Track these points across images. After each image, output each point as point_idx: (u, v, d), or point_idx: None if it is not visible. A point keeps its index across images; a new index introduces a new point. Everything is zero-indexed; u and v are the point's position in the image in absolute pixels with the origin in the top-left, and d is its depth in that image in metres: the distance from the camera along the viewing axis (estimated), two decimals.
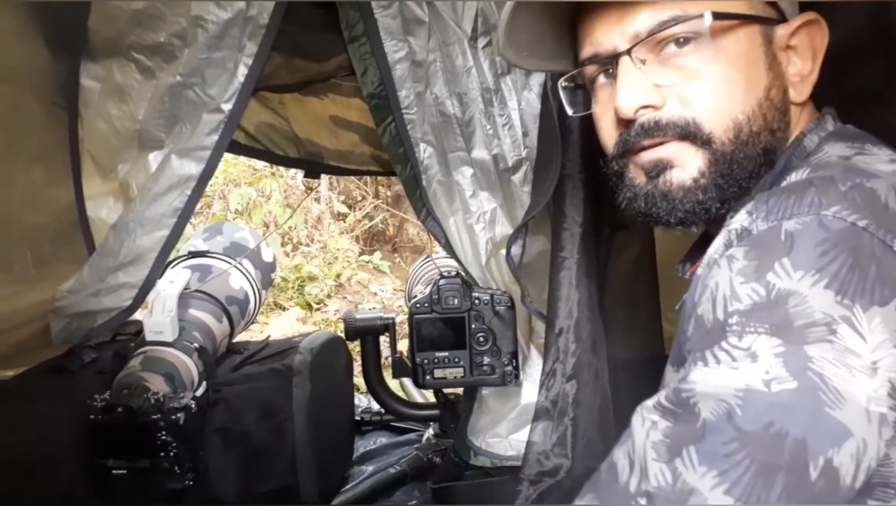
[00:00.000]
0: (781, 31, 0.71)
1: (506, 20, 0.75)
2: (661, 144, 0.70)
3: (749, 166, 0.70)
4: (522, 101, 1.24)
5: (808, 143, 0.71)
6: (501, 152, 1.27)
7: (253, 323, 1.73)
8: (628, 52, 0.70)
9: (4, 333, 1.22)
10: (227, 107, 1.15)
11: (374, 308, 3.94)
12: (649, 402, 0.58)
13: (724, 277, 0.57)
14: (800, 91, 0.72)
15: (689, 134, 0.69)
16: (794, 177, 0.65)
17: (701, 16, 0.67)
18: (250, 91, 1.15)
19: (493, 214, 1.31)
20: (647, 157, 0.72)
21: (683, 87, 0.69)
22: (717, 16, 0.67)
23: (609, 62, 0.73)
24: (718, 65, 0.68)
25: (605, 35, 0.72)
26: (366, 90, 1.19)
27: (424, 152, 1.25)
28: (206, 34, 1.12)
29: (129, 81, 1.19)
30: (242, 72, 1.13)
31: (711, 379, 0.53)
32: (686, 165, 0.70)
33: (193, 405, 1.14)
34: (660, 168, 0.71)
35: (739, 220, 0.62)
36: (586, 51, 0.75)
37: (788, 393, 0.50)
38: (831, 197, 0.56)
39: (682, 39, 0.69)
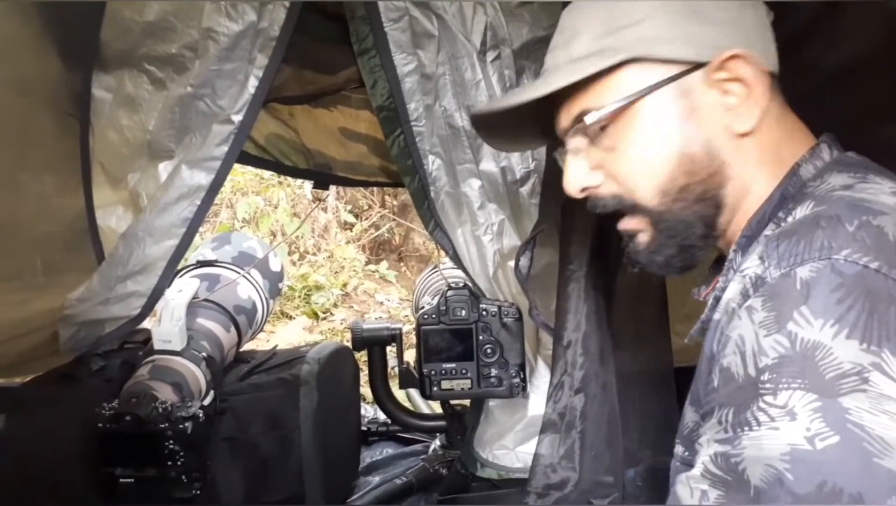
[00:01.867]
0: (701, 75, 0.73)
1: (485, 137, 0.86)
2: (621, 216, 0.79)
3: (692, 219, 0.75)
4: None
5: (803, 172, 0.72)
6: (510, 165, 1.27)
7: (260, 332, 1.73)
8: (562, 143, 0.80)
9: (13, 340, 1.22)
10: (237, 118, 1.16)
11: (380, 318, 3.94)
12: (695, 471, 0.58)
13: (747, 330, 0.58)
14: (746, 119, 0.72)
15: (628, 207, 0.77)
16: (798, 212, 0.66)
17: (590, 115, 0.74)
18: (260, 102, 1.16)
19: (500, 225, 1.31)
20: (619, 226, 0.81)
21: (611, 165, 0.77)
22: (599, 111, 0.74)
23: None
24: (628, 141, 0.75)
25: (555, 125, 0.82)
26: (375, 102, 1.20)
27: (433, 164, 1.26)
28: (217, 46, 1.13)
29: (141, 92, 1.20)
30: (253, 83, 1.14)
31: (756, 442, 0.54)
32: (640, 234, 0.79)
33: (201, 414, 1.14)
34: (627, 237, 0.81)
35: (752, 266, 0.64)
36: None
37: (833, 448, 0.50)
38: (841, 240, 0.57)
39: (601, 126, 0.76)
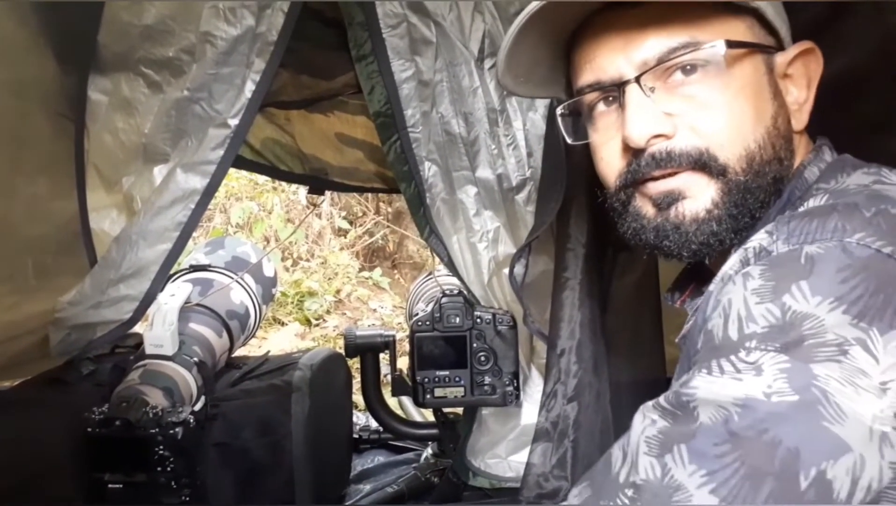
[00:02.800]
0: (780, 60, 0.71)
1: (509, 44, 0.74)
2: (672, 174, 0.68)
3: (761, 196, 0.68)
4: (527, 121, 1.25)
5: (808, 174, 0.70)
6: (506, 172, 1.27)
7: (252, 337, 1.72)
8: (637, 79, 0.68)
9: (2, 344, 1.21)
10: (233, 122, 1.15)
11: (373, 325, 3.93)
12: (651, 402, 0.58)
13: (737, 295, 0.57)
14: (798, 119, 0.72)
15: (703, 164, 0.67)
16: (811, 203, 0.64)
17: (714, 44, 0.66)
18: (257, 107, 1.16)
19: (496, 232, 1.31)
20: (656, 188, 0.70)
21: (694, 116, 0.67)
22: (731, 44, 0.66)
23: (613, 90, 0.71)
24: (728, 94, 0.67)
25: (609, 61, 0.70)
26: (372, 108, 1.20)
27: (429, 171, 1.26)
28: (214, 50, 1.13)
29: (137, 95, 1.20)
30: (250, 88, 1.14)
31: (714, 387, 0.53)
32: (699, 196, 0.68)
33: (192, 420, 1.13)
34: (671, 199, 0.69)
35: (758, 238, 0.61)
36: (585, 77, 0.73)
37: (787, 405, 0.50)
38: (856, 223, 0.56)
39: (689, 67, 0.67)
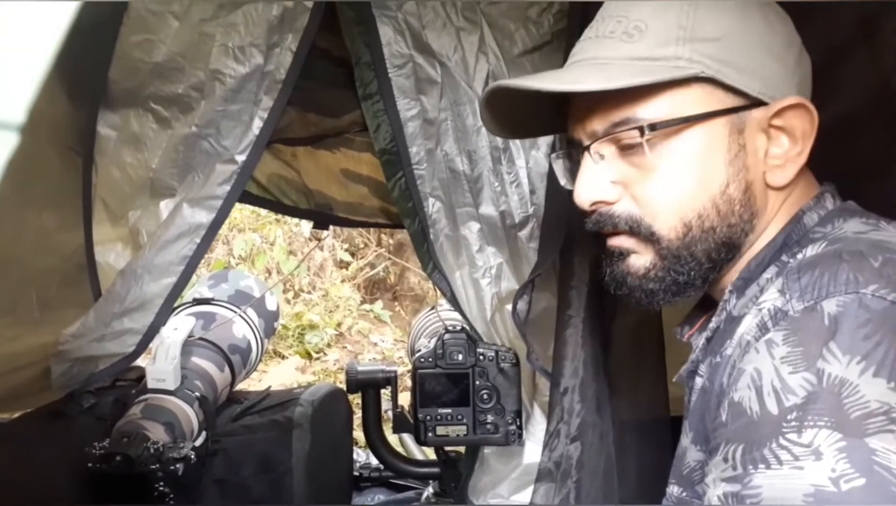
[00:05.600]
0: (759, 115, 0.70)
1: (483, 111, 0.79)
2: (615, 234, 0.74)
3: (703, 259, 0.71)
4: (530, 159, 1.26)
5: (807, 220, 0.71)
6: (509, 209, 1.28)
7: (254, 371, 1.72)
8: (587, 147, 0.72)
9: (4, 375, 1.21)
10: (240, 158, 1.17)
11: (374, 359, 3.91)
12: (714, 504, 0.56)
13: (766, 365, 0.56)
14: (781, 175, 0.71)
15: (637, 231, 0.72)
16: (809, 251, 0.65)
17: (635, 128, 0.68)
18: (264, 143, 1.17)
19: (499, 269, 1.31)
20: (609, 242, 0.75)
21: (636, 185, 0.71)
22: (656, 126, 0.68)
23: (577, 151, 0.76)
24: (669, 164, 0.69)
25: (573, 127, 0.75)
26: (378, 146, 1.21)
27: (433, 207, 1.27)
28: (223, 87, 1.15)
29: (146, 131, 1.22)
30: (257, 125, 1.16)
31: (777, 482, 0.52)
32: (642, 254, 0.73)
33: (192, 456, 1.13)
34: (617, 255, 0.75)
35: (771, 298, 0.61)
36: (568, 132, 0.78)
37: (859, 491, 0.48)
38: (867, 274, 0.56)
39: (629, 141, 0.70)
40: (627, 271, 0.74)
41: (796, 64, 0.72)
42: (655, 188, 0.70)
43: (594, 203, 0.73)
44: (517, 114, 0.81)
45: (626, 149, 0.71)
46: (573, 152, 0.79)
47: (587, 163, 0.73)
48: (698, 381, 0.74)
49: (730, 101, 0.69)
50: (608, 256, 0.76)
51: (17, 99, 0.24)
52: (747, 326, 0.63)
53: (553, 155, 0.83)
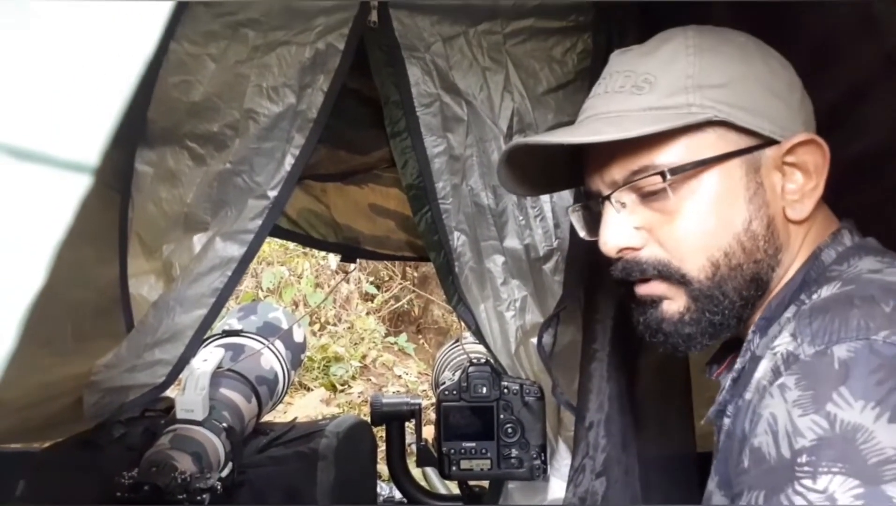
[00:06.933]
0: (772, 153, 0.71)
1: (502, 170, 0.81)
2: (645, 281, 0.74)
3: (734, 297, 0.71)
4: (555, 194, 1.28)
5: (825, 257, 0.71)
6: (533, 242, 1.30)
7: (280, 403, 1.73)
8: (608, 197, 0.74)
9: (37, 405, 1.24)
10: (272, 194, 1.20)
11: (398, 392, 3.90)
12: None
13: (780, 409, 0.57)
14: (800, 208, 0.72)
15: (667, 275, 0.72)
16: (824, 291, 0.65)
17: (656, 174, 0.70)
18: (295, 180, 1.21)
19: (523, 301, 1.32)
20: (639, 290, 0.75)
21: (660, 230, 0.72)
22: (676, 170, 0.69)
23: (597, 203, 0.77)
24: (691, 208, 0.71)
25: (591, 178, 0.77)
26: (405, 181, 1.24)
27: (458, 240, 1.29)
28: (257, 126, 1.19)
29: (181, 167, 1.26)
30: (289, 161, 1.19)
31: None
32: (675, 299, 0.73)
33: (219, 486, 1.14)
34: (649, 302, 0.75)
35: (784, 343, 0.62)
36: (586, 185, 0.79)
37: None
38: (878, 320, 0.56)
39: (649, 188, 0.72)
40: (662, 318, 0.74)
41: (800, 104, 0.74)
42: (681, 231, 0.71)
43: (620, 250, 0.73)
44: (535, 170, 0.83)
45: (647, 196, 0.72)
46: (592, 204, 0.81)
47: (609, 212, 0.74)
48: (726, 421, 0.74)
49: (743, 142, 0.71)
50: (639, 305, 0.76)
51: (92, 141, 0.26)
52: (763, 371, 0.64)
53: (570, 208, 0.85)
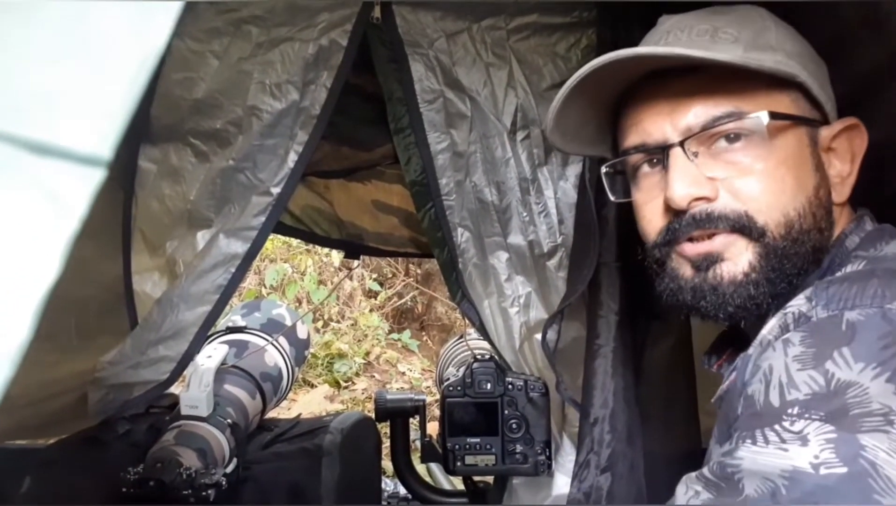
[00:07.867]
0: (824, 134, 0.73)
1: (558, 106, 0.76)
2: (711, 235, 0.70)
3: (798, 263, 0.69)
4: (559, 190, 1.27)
5: (849, 243, 0.71)
6: (537, 238, 1.30)
7: (284, 400, 1.73)
8: (681, 144, 0.70)
9: (42, 402, 1.24)
10: (275, 190, 1.20)
11: (402, 389, 3.90)
12: (694, 472, 0.57)
13: (778, 361, 0.57)
14: (839, 192, 0.73)
15: (742, 227, 0.69)
16: (849, 268, 0.66)
17: (758, 115, 0.68)
18: (299, 176, 1.20)
19: (527, 298, 1.32)
20: (695, 249, 0.71)
21: (736, 181, 0.69)
22: (774, 115, 0.68)
23: (658, 152, 0.73)
24: (770, 162, 0.69)
25: (655, 126, 0.73)
26: (408, 177, 1.24)
27: (462, 236, 1.28)
28: (260, 123, 1.19)
29: (185, 164, 1.26)
30: (293, 158, 1.19)
31: (759, 458, 0.52)
32: (737, 259, 0.69)
33: (224, 482, 1.14)
34: (709, 261, 0.70)
35: (797, 304, 0.62)
36: (631, 139, 0.76)
37: (836, 477, 0.49)
38: (895, 290, 0.57)
39: (732, 136, 0.70)
40: (721, 278, 0.69)
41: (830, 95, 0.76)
42: (759, 183, 0.69)
43: (694, 200, 0.69)
44: (575, 123, 0.80)
45: (724, 145, 0.70)
46: (626, 164, 0.78)
47: (679, 160, 0.70)
48: (727, 382, 0.74)
49: (811, 113, 0.72)
50: (693, 265, 0.72)
51: (107, 134, 0.26)
52: (770, 328, 0.64)
53: (604, 168, 0.81)
